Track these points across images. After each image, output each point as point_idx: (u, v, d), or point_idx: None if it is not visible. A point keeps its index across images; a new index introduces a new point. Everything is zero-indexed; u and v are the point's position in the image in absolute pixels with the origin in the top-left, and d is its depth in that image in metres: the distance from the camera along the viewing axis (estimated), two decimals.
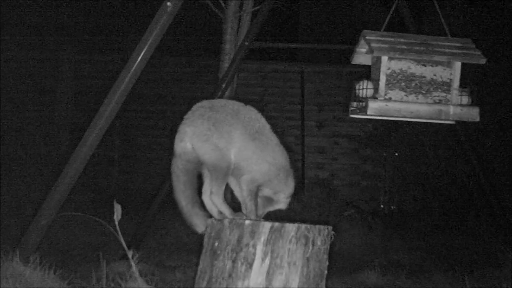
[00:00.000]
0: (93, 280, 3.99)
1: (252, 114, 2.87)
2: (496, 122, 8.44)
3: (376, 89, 3.48)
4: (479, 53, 3.52)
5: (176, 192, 2.79)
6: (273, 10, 5.88)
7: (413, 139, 8.59)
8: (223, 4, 6.43)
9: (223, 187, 2.79)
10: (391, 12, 3.89)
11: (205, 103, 2.90)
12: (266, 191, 2.89)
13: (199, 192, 2.84)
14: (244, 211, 2.85)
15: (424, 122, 3.79)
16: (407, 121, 3.71)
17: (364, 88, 3.52)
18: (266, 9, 5.63)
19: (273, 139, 2.88)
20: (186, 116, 2.85)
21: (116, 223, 3.33)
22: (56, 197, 4.11)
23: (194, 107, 2.88)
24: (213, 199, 2.77)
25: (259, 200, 2.88)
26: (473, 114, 3.50)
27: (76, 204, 6.02)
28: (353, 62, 3.80)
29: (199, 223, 2.78)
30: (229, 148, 2.77)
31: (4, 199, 6.81)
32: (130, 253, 3.53)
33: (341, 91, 8.93)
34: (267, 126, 2.88)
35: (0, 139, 8.20)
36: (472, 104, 3.52)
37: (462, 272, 4.90)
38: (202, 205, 2.81)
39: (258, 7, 6.03)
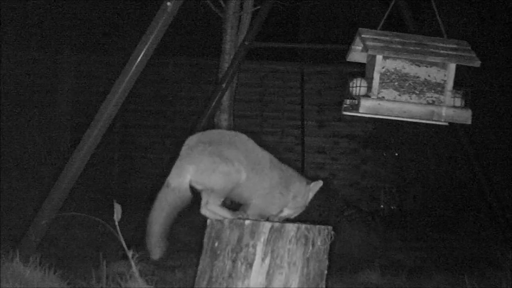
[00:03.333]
0: (93, 280, 3.99)
1: (245, 141, 2.84)
2: (496, 122, 8.44)
3: (369, 87, 3.48)
4: (474, 55, 3.51)
5: (152, 220, 2.77)
6: (273, 10, 5.88)
7: (413, 139, 8.59)
8: (223, 4, 6.43)
9: (222, 200, 2.79)
10: (388, 11, 3.89)
11: (200, 137, 2.84)
12: (274, 210, 2.89)
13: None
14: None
15: (424, 123, 3.78)
16: (407, 121, 3.71)
17: (357, 86, 3.52)
18: (266, 9, 5.64)
19: (265, 161, 2.85)
20: (183, 153, 2.79)
21: (116, 223, 3.33)
22: (56, 197, 4.11)
23: (190, 143, 2.81)
24: (210, 207, 2.75)
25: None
26: (465, 116, 3.49)
27: (76, 204, 6.02)
28: (348, 60, 3.79)
29: (157, 253, 2.83)
30: (240, 169, 2.75)
31: (4, 199, 6.81)
32: (130, 253, 3.53)
33: (341, 91, 8.91)
34: (257, 149, 2.86)
35: (0, 139, 8.19)
36: (465, 106, 3.52)
37: (462, 272, 4.90)
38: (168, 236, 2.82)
39: (258, 7, 6.03)
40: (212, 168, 2.73)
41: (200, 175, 2.74)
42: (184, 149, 2.81)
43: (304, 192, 2.89)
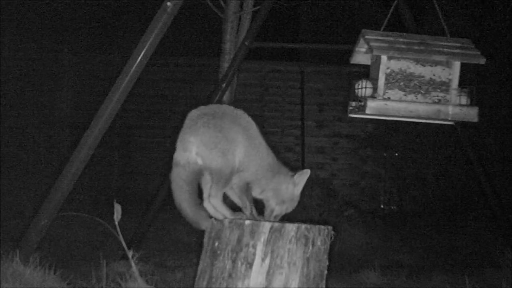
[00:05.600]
0: (93, 280, 3.99)
1: (246, 118, 2.90)
2: (496, 122, 8.44)
3: (375, 88, 3.48)
4: (479, 53, 3.51)
5: (179, 201, 2.76)
6: (273, 10, 5.88)
7: (413, 139, 8.59)
8: (223, 4, 6.43)
9: (223, 191, 2.80)
10: (390, 12, 3.89)
11: (204, 110, 2.88)
12: (255, 191, 2.90)
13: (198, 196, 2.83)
14: (243, 210, 2.87)
15: (424, 123, 3.79)
16: (407, 121, 3.70)
17: (363, 87, 3.52)
18: (266, 9, 5.63)
19: (262, 141, 2.90)
20: (187, 125, 2.80)
21: (116, 223, 3.33)
22: (56, 197, 4.11)
23: (194, 115, 2.84)
24: (212, 202, 2.76)
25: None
26: (472, 114, 3.49)
27: (76, 204, 6.02)
28: (352, 62, 3.79)
29: (204, 222, 2.78)
30: (235, 153, 2.78)
31: (4, 199, 6.81)
32: (130, 253, 3.53)
33: (341, 91, 8.93)
34: (257, 130, 2.91)
35: (0, 139, 8.19)
36: (471, 104, 3.52)
37: (462, 272, 4.90)
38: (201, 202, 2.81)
39: (258, 7, 6.02)
40: (214, 142, 2.74)
41: (203, 147, 2.74)
42: (187, 121, 2.83)
43: (287, 186, 2.90)
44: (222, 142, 2.75)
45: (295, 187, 2.91)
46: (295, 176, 2.90)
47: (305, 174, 2.90)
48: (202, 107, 2.91)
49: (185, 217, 2.79)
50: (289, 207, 2.93)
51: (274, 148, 2.99)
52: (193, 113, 2.85)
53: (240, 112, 2.90)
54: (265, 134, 2.96)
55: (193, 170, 2.75)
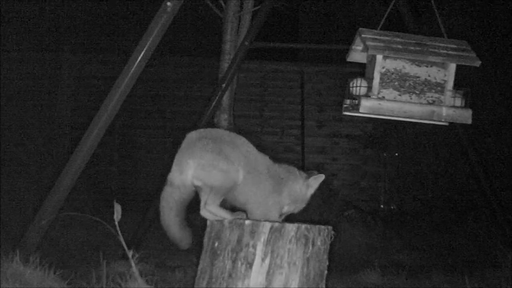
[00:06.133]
0: (93, 280, 3.99)
1: (245, 143, 2.87)
2: (496, 122, 8.44)
3: (369, 87, 3.48)
4: (474, 55, 3.51)
5: (165, 220, 2.78)
6: (273, 10, 5.88)
7: (413, 139, 8.59)
8: (223, 4, 6.43)
9: (220, 200, 2.79)
10: (388, 11, 3.88)
11: (203, 133, 2.86)
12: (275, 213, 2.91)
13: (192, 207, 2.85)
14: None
15: (424, 123, 3.78)
16: (407, 121, 3.70)
17: (357, 86, 3.52)
18: (266, 9, 5.64)
19: (263, 168, 2.86)
20: (184, 147, 2.79)
21: (116, 223, 3.33)
22: (56, 197, 4.11)
23: (192, 138, 2.82)
24: (209, 208, 2.75)
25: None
26: (465, 116, 3.49)
27: (76, 204, 6.02)
28: (349, 60, 3.78)
29: (186, 244, 2.83)
30: (238, 169, 2.77)
31: (4, 199, 6.80)
32: (130, 253, 3.53)
33: (341, 91, 8.90)
34: (256, 153, 2.88)
35: (0, 139, 8.19)
36: (465, 106, 3.51)
37: (462, 272, 4.90)
38: (187, 223, 2.82)
39: (258, 7, 6.03)
40: (212, 164, 2.73)
41: (200, 170, 2.74)
42: (185, 143, 2.82)
43: (301, 188, 2.90)
44: (222, 162, 2.73)
45: (307, 190, 2.92)
46: (310, 179, 2.91)
47: (320, 178, 2.93)
48: (201, 130, 2.90)
49: (169, 237, 2.80)
50: (297, 208, 2.93)
51: (277, 159, 2.97)
52: (192, 136, 2.84)
53: (238, 137, 2.88)
54: (264, 149, 2.94)
55: (187, 192, 2.76)
